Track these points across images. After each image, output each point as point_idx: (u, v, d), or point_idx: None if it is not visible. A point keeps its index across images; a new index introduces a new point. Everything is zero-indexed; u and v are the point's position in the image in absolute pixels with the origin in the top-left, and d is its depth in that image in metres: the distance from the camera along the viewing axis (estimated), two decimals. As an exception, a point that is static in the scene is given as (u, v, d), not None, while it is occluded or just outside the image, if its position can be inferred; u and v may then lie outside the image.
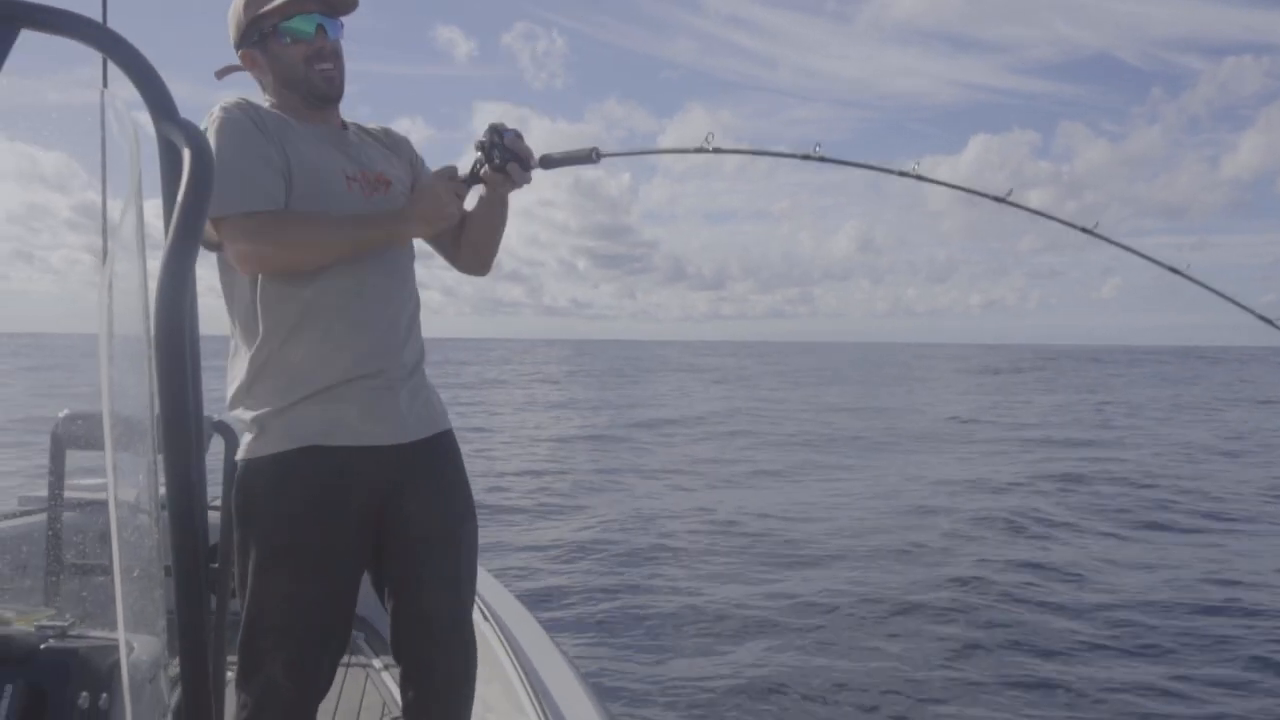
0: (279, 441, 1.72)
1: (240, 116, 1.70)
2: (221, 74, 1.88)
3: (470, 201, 1.92)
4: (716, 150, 1.90)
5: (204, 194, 0.70)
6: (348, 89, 1.83)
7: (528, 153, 1.84)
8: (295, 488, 1.71)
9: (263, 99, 1.85)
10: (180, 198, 0.70)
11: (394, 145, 1.98)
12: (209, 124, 1.69)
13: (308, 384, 1.72)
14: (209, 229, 1.65)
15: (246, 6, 1.78)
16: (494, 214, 1.94)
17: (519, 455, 15.39)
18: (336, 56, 1.80)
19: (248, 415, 1.76)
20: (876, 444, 17.08)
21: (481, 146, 1.82)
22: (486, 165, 1.82)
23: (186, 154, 0.71)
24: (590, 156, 1.85)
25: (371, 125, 1.99)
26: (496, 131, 1.80)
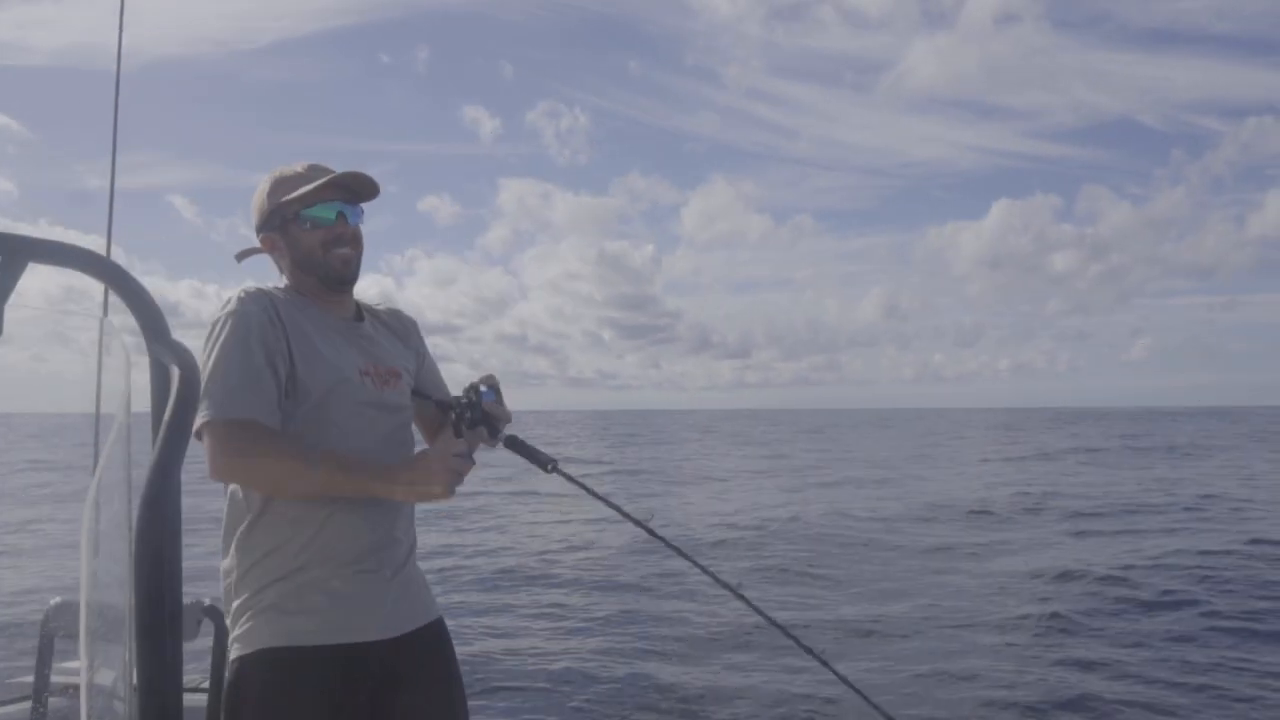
0: (275, 637, 1.68)
1: (255, 312, 1.71)
2: (241, 256, 1.93)
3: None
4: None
5: (189, 410, 0.75)
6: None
7: (501, 418, 1.82)
8: (294, 688, 1.67)
9: (279, 280, 1.89)
10: (168, 413, 0.74)
11: (403, 333, 2.03)
12: (225, 313, 1.72)
13: (307, 576, 1.70)
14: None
15: (271, 194, 1.84)
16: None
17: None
18: (355, 241, 1.85)
19: (240, 603, 1.72)
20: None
21: (457, 404, 1.82)
22: (457, 420, 1.80)
23: (176, 372, 0.76)
24: (545, 466, 1.85)
25: (381, 308, 2.03)
26: (475, 390, 1.82)
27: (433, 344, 2.13)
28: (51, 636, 2.11)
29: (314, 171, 1.85)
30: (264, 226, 1.86)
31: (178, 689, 0.74)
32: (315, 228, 1.82)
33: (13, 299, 0.74)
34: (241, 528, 1.73)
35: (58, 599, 2.16)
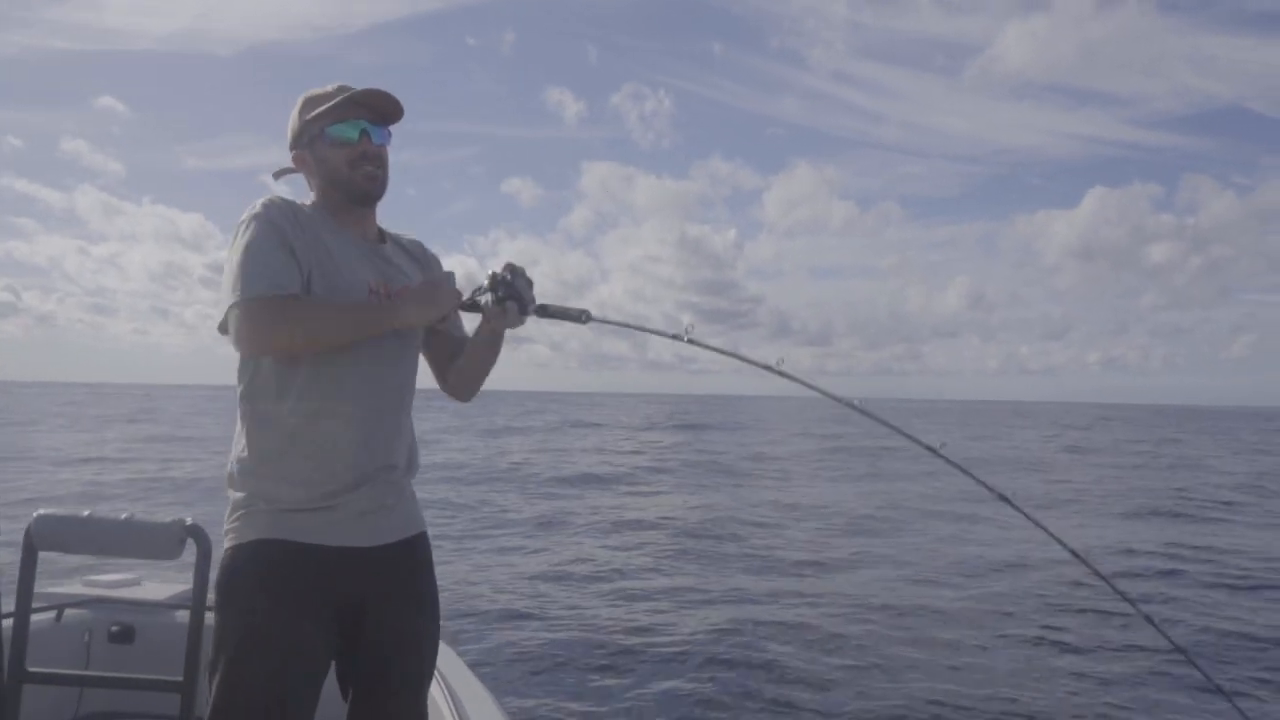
0: (267, 529, 1.78)
1: (274, 213, 1.80)
2: (278, 175, 2.01)
3: (471, 327, 2.05)
4: (691, 341, 2.05)
5: None
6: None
7: (530, 299, 1.95)
8: (282, 579, 1.76)
9: (309, 197, 1.95)
10: None
11: (424, 262, 2.08)
12: (247, 215, 1.79)
13: (305, 481, 1.78)
14: (225, 315, 1.74)
15: (300, 111, 1.91)
16: (488, 348, 2.04)
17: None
18: (380, 160, 1.91)
19: (240, 496, 1.82)
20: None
21: (492, 277, 1.94)
22: (490, 295, 1.93)
23: None
24: (580, 318, 2.00)
25: (406, 238, 2.09)
26: (511, 270, 1.93)
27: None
28: (35, 550, 2.11)
29: (342, 91, 1.90)
30: (295, 144, 1.94)
31: None
32: (339, 145, 1.88)
33: None
34: (245, 426, 1.83)
35: (40, 510, 2.13)
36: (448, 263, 2.11)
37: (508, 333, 2.01)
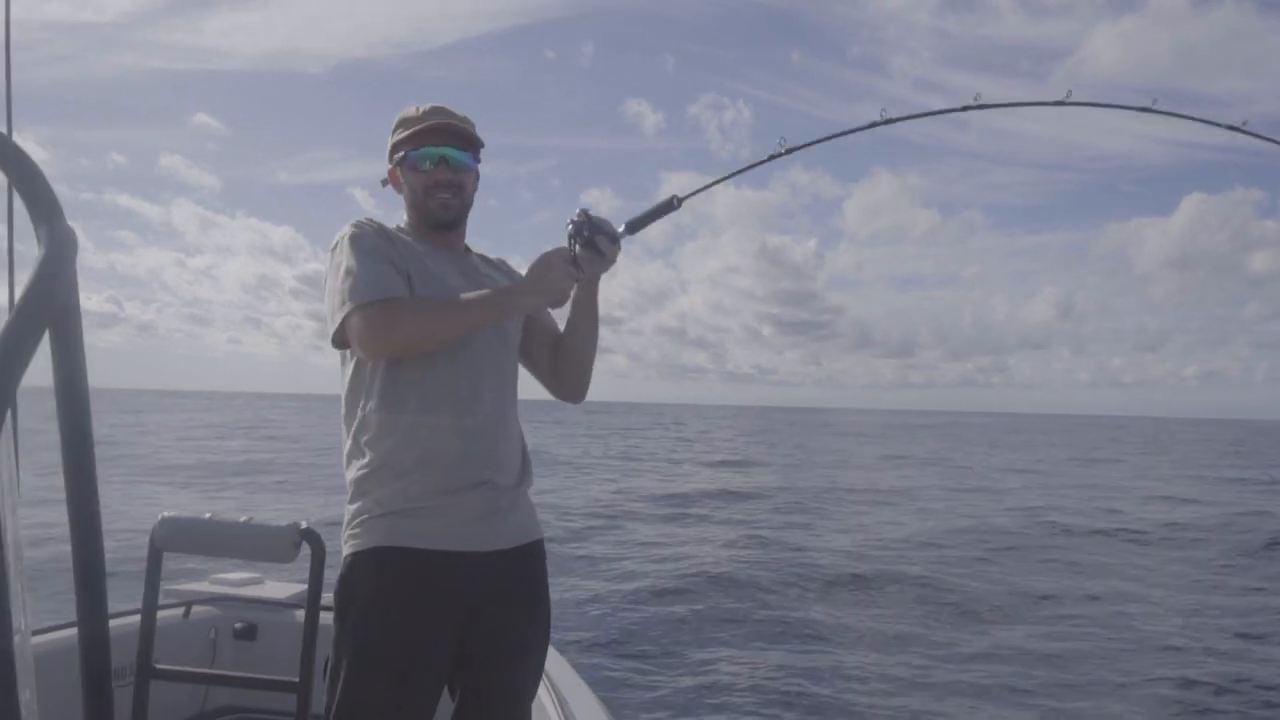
0: (387, 537, 1.79)
1: (368, 230, 1.86)
2: (386, 182, 2.02)
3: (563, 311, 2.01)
4: (789, 150, 1.95)
5: (54, 285, 0.70)
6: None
7: (612, 229, 1.90)
8: (401, 586, 1.78)
9: (359, 201, 2.06)
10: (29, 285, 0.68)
11: (509, 276, 2.07)
12: (341, 237, 1.84)
13: (418, 486, 1.80)
14: (338, 326, 1.78)
15: (395, 129, 1.96)
16: (587, 318, 2.00)
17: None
18: (456, 187, 1.93)
19: (356, 505, 1.84)
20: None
21: (572, 223, 1.88)
22: (576, 242, 1.87)
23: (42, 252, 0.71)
24: (671, 204, 1.90)
25: (493, 258, 2.11)
26: (585, 212, 1.88)
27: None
28: (159, 551, 2.16)
29: (430, 115, 1.94)
30: (390, 160, 1.98)
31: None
32: (417, 172, 1.92)
33: None
34: (356, 438, 1.85)
35: (165, 513, 2.18)
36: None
37: None
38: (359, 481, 1.83)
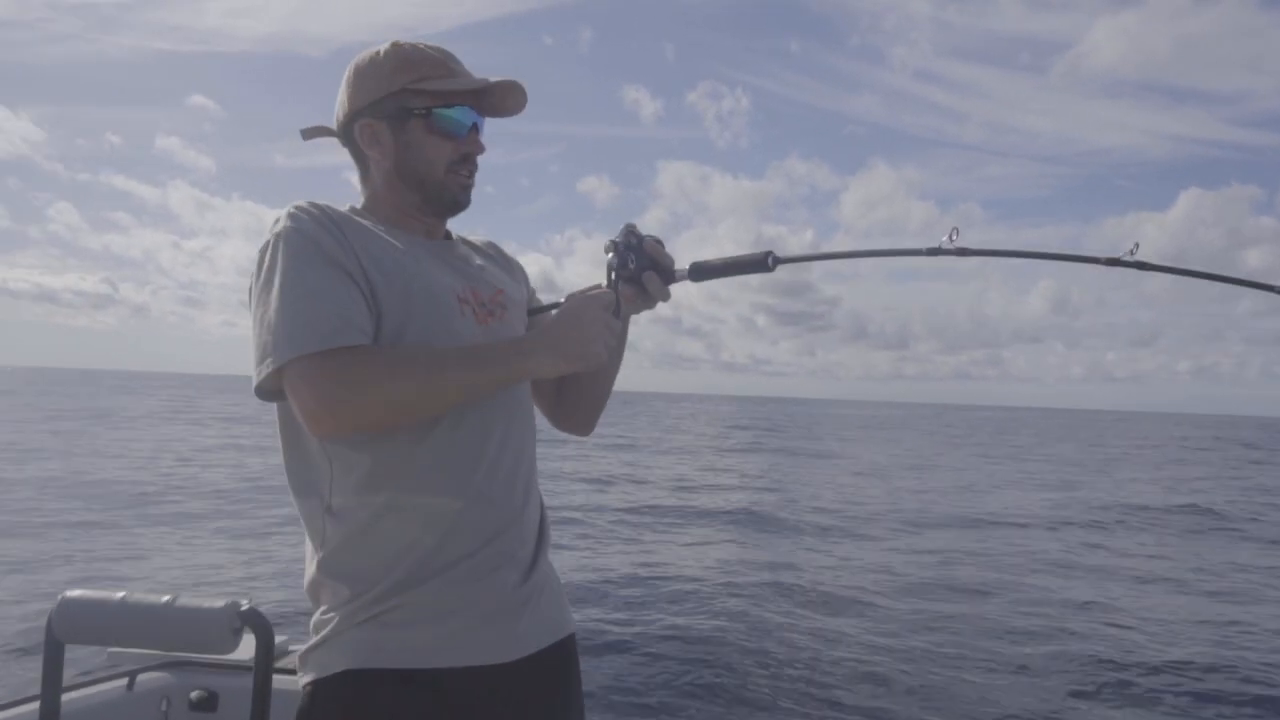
0: (356, 655, 1.29)
1: (309, 225, 1.29)
2: (310, 135, 1.47)
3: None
4: (964, 251, 1.49)
5: None
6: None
7: (669, 261, 1.45)
8: None
9: (358, 188, 1.47)
10: None
11: (506, 265, 1.61)
12: (272, 234, 1.30)
13: (401, 577, 1.30)
14: (268, 376, 1.24)
15: (397, 70, 1.38)
16: (614, 355, 1.55)
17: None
18: (475, 166, 1.47)
19: (320, 612, 1.35)
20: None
21: (614, 247, 1.44)
22: (619, 276, 1.44)
23: None
24: (765, 263, 1.41)
25: (478, 239, 1.61)
26: (633, 233, 1.44)
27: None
28: (59, 644, 1.74)
29: (452, 61, 1.42)
30: (371, 110, 1.40)
31: None
32: (445, 137, 1.40)
33: None
34: (318, 521, 1.34)
35: (67, 592, 1.73)
36: (523, 261, 1.67)
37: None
38: (322, 581, 1.33)
